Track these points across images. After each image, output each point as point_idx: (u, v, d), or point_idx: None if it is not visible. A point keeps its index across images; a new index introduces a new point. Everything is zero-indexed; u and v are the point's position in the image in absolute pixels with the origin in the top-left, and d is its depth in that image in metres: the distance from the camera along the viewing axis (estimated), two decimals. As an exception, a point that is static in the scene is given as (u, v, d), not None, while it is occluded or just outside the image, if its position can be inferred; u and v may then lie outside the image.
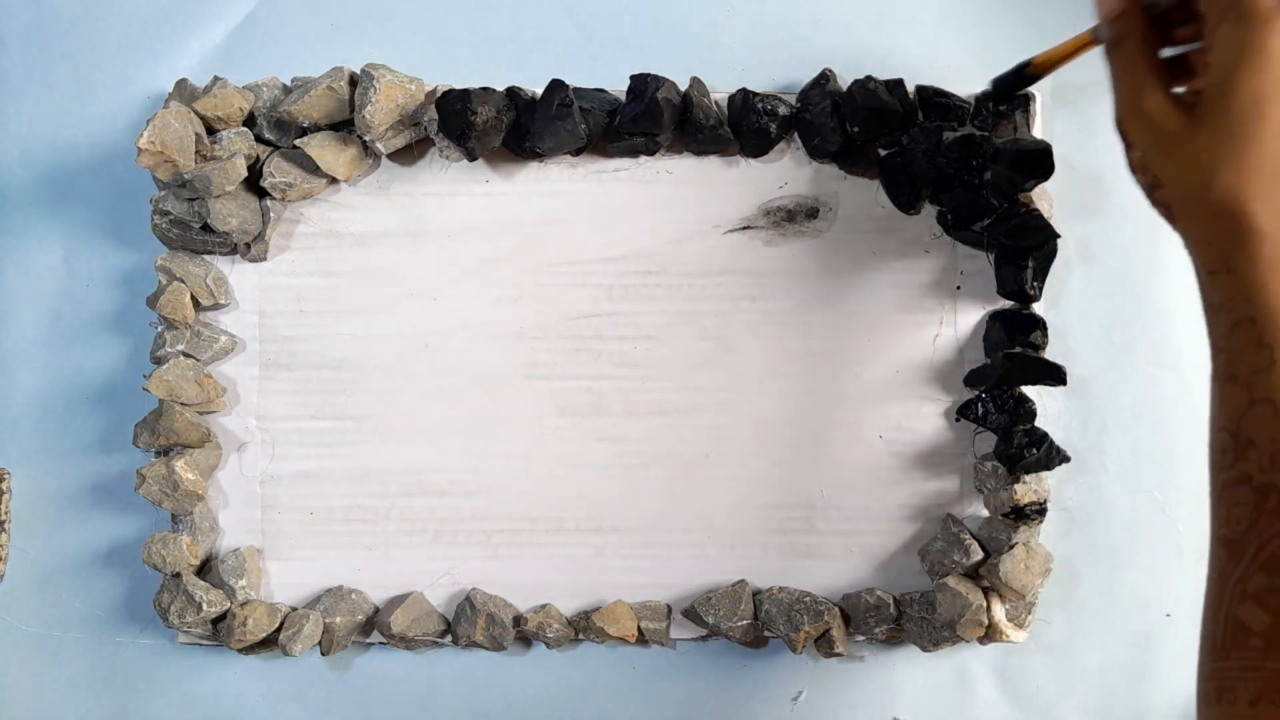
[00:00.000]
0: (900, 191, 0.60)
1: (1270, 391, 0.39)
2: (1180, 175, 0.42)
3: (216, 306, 0.61)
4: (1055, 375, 0.58)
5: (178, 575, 0.59)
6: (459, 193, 0.62)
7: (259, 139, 0.60)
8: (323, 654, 0.60)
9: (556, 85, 0.58)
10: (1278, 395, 0.39)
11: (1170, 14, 0.44)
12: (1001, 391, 0.59)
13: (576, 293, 0.61)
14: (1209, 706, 0.39)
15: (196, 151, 0.58)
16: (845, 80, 0.60)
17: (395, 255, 0.61)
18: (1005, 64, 0.62)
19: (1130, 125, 0.44)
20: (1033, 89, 0.60)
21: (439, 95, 0.58)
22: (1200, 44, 0.44)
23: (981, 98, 0.58)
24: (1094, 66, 0.48)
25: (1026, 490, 0.58)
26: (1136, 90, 0.43)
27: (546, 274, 0.61)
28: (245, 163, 0.58)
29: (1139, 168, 0.45)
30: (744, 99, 0.59)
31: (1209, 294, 0.42)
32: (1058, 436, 0.59)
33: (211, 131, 0.59)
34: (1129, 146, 0.45)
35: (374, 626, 0.61)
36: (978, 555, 0.59)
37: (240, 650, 0.59)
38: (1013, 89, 0.56)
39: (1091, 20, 0.47)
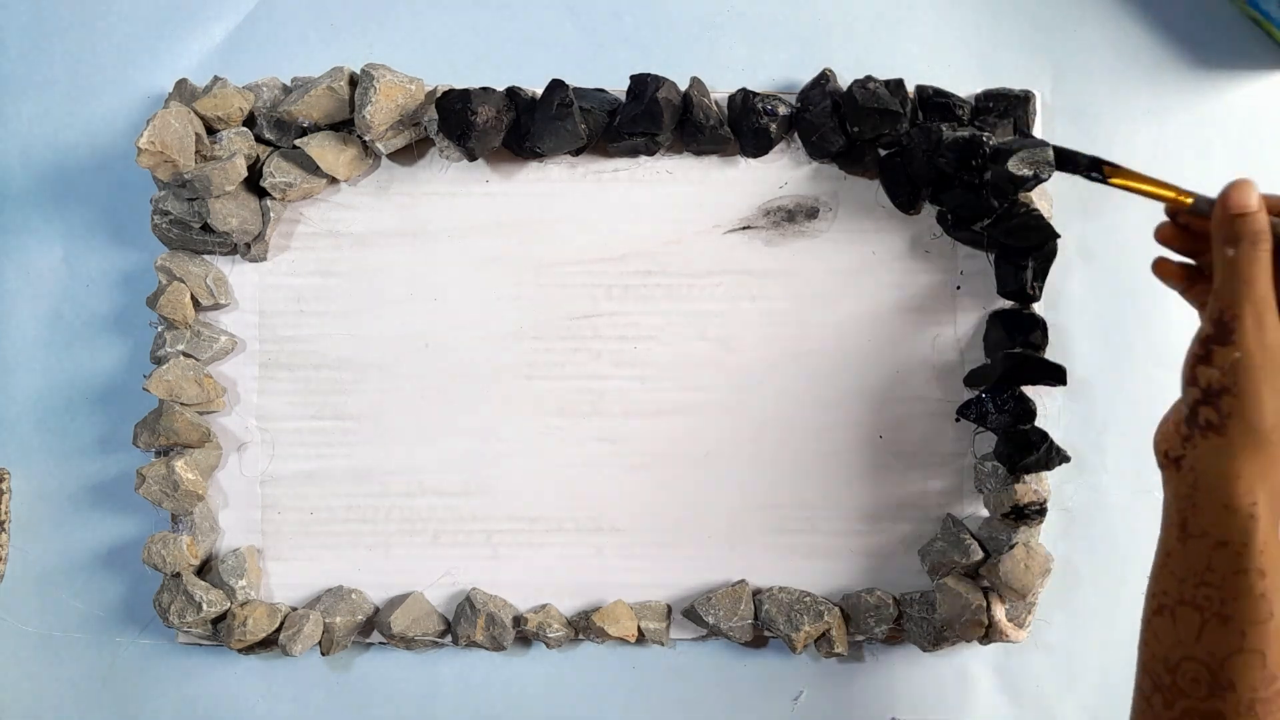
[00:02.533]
0: (900, 191, 0.60)
1: (1265, 645, 0.40)
2: (1270, 402, 0.42)
3: (216, 306, 0.61)
4: (1055, 375, 0.58)
5: (178, 575, 0.59)
6: (459, 193, 0.62)
7: (259, 139, 0.60)
8: (323, 654, 0.60)
9: (556, 85, 0.58)
10: (1271, 651, 0.40)
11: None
12: (1001, 391, 0.59)
13: (576, 293, 0.61)
14: None
15: (196, 151, 0.58)
16: (845, 80, 0.60)
17: (395, 255, 0.61)
18: (1004, 64, 0.62)
19: (1248, 328, 0.42)
20: (1034, 90, 0.60)
21: (439, 95, 0.58)
22: None
23: (1049, 158, 0.55)
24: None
25: (1026, 490, 0.58)
26: (1264, 299, 0.43)
27: (546, 274, 0.61)
28: (245, 163, 0.58)
29: (1226, 367, 0.43)
30: (744, 99, 0.59)
31: (1210, 525, 0.42)
32: (1058, 436, 0.59)
33: (211, 131, 0.59)
34: (1228, 343, 0.43)
35: (374, 626, 0.61)
36: (978, 555, 0.59)
37: (240, 650, 0.59)
38: (1074, 167, 0.53)
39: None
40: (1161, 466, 0.46)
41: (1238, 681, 0.41)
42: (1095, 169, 0.51)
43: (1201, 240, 0.49)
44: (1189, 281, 0.50)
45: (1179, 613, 0.42)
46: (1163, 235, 0.50)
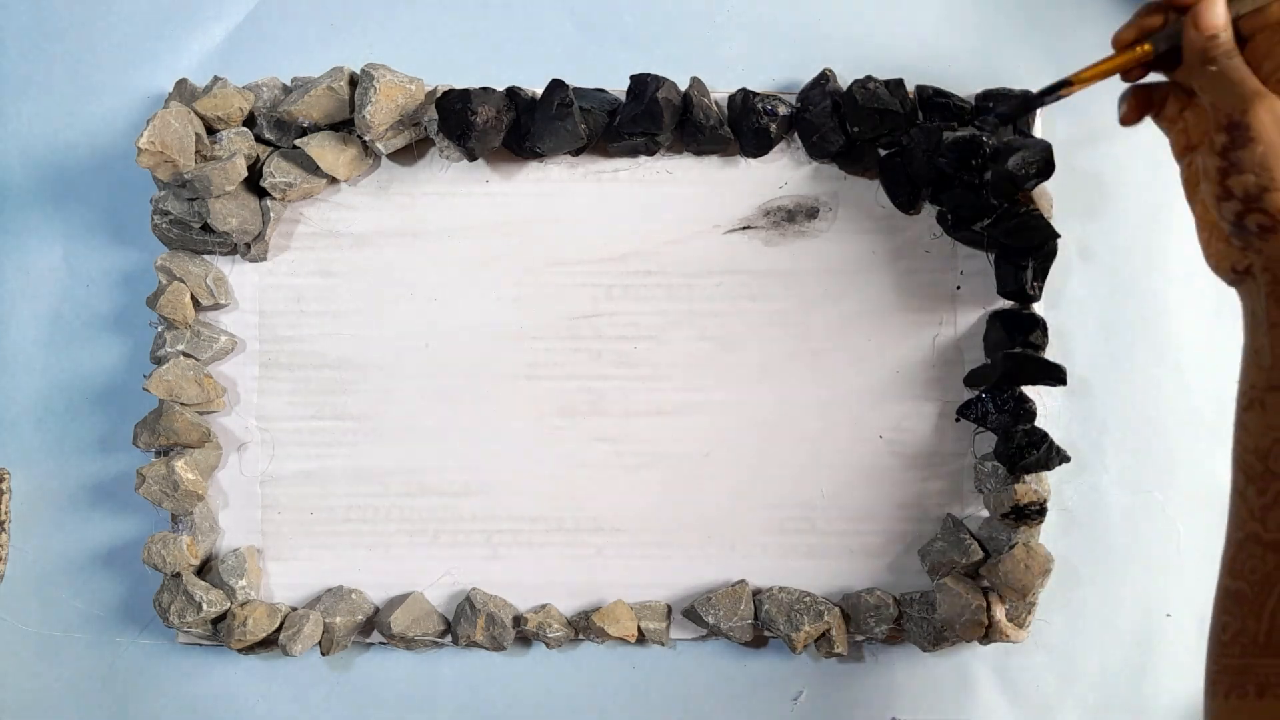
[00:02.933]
0: (900, 191, 0.60)
1: None
2: None
3: (216, 306, 0.61)
4: (1055, 375, 0.58)
5: (178, 575, 0.59)
6: (459, 193, 0.62)
7: (259, 139, 0.60)
8: (323, 654, 0.60)
9: (556, 85, 0.58)
10: None
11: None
12: (1001, 391, 0.59)
13: (576, 293, 0.61)
14: (1226, 699, 0.39)
15: (196, 151, 0.58)
16: (845, 80, 0.60)
17: (395, 255, 0.61)
18: (1004, 64, 0.62)
19: (1263, 120, 0.42)
20: (1033, 90, 0.60)
21: (439, 95, 0.58)
22: None
23: (999, 112, 0.56)
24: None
25: (1026, 490, 0.58)
26: (1262, 90, 0.43)
27: (546, 274, 0.61)
28: (245, 163, 0.58)
29: (1256, 166, 0.43)
30: (744, 99, 0.59)
31: None
32: (1058, 436, 0.59)
33: (211, 131, 0.59)
34: (1248, 142, 0.43)
35: (374, 626, 0.61)
36: (978, 555, 0.59)
37: (240, 650, 0.59)
38: (1037, 104, 0.53)
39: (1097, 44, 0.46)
40: (1232, 283, 0.45)
41: None
42: (1057, 90, 0.51)
43: (1166, 95, 0.49)
44: (1157, 106, 0.50)
45: (1268, 399, 0.42)
46: (1129, 115, 0.50)
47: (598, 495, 0.61)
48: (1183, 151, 0.49)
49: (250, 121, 0.60)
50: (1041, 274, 0.58)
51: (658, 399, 0.61)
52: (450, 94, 0.58)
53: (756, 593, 0.61)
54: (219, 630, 0.60)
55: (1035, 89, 0.54)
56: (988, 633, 0.59)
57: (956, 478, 0.61)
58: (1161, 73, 0.49)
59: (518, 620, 0.60)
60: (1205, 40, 0.45)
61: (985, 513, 0.61)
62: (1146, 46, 0.47)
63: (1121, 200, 0.62)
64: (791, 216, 0.61)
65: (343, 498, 0.62)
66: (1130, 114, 0.50)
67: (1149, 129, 0.62)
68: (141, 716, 0.62)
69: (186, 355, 0.60)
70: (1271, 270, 0.43)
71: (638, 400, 0.61)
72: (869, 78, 0.59)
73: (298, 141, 0.59)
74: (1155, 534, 0.62)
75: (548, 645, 0.60)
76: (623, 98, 0.59)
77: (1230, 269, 0.45)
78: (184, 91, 0.60)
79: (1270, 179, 0.42)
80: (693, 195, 0.61)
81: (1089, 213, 0.62)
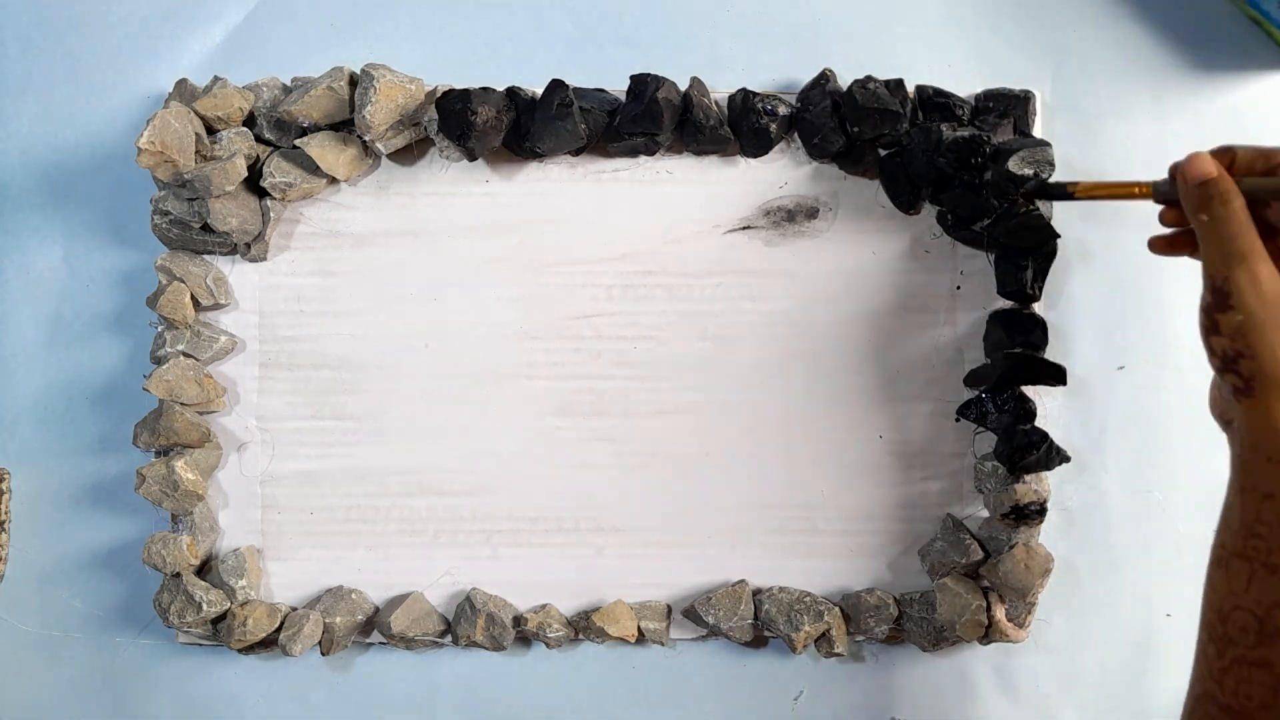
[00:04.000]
0: (900, 191, 0.60)
1: None
2: None
3: (216, 306, 0.61)
4: (1055, 375, 0.58)
5: (178, 575, 0.59)
6: (459, 193, 0.62)
7: (259, 139, 0.60)
8: (323, 654, 0.60)
9: (556, 85, 0.58)
10: None
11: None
12: (1001, 391, 0.59)
13: (576, 293, 0.61)
14: None
15: (196, 151, 0.58)
16: (845, 80, 0.60)
17: (395, 255, 0.61)
18: (1004, 64, 0.62)
19: (1243, 288, 0.42)
20: (1034, 90, 0.60)
21: (439, 95, 0.58)
22: None
23: (1023, 188, 0.56)
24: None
25: (1026, 490, 0.58)
26: (1250, 254, 0.43)
27: (546, 274, 0.61)
28: (245, 163, 0.58)
29: (1233, 332, 0.43)
30: (744, 99, 0.59)
31: (1258, 479, 0.42)
32: (1058, 436, 0.59)
33: (211, 131, 0.59)
34: (1227, 309, 0.43)
35: (374, 626, 0.61)
36: (978, 555, 0.59)
37: (240, 650, 0.59)
38: (1046, 195, 0.55)
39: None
40: (1223, 429, 0.46)
41: None
42: (1062, 192, 0.53)
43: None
44: (1190, 248, 0.50)
45: (1232, 564, 0.42)
46: (1156, 246, 0.51)
47: (598, 495, 0.61)
48: None
49: (250, 121, 0.60)
50: (1041, 274, 0.58)
51: (658, 399, 0.61)
52: (450, 94, 0.58)
53: (756, 593, 0.61)
54: (219, 630, 0.60)
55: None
56: (988, 633, 0.59)
57: (956, 478, 0.61)
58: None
59: (518, 620, 0.60)
60: (1194, 188, 0.45)
61: (985, 513, 0.61)
62: (1146, 188, 0.48)
63: (1121, 200, 0.62)
64: (791, 216, 0.61)
65: (343, 498, 0.62)
66: (1158, 245, 0.51)
67: (1147, 123, 0.62)
68: (141, 716, 0.62)
69: (186, 355, 0.60)
70: (1243, 433, 0.43)
71: (638, 400, 0.61)
72: (869, 78, 0.59)
73: (298, 141, 0.59)
74: (1155, 534, 0.62)
75: (548, 645, 0.60)
76: (623, 98, 0.59)
77: (1220, 415, 0.46)
78: (184, 91, 0.60)
79: (1245, 346, 0.42)
80: (693, 195, 0.61)
81: (1089, 213, 0.62)
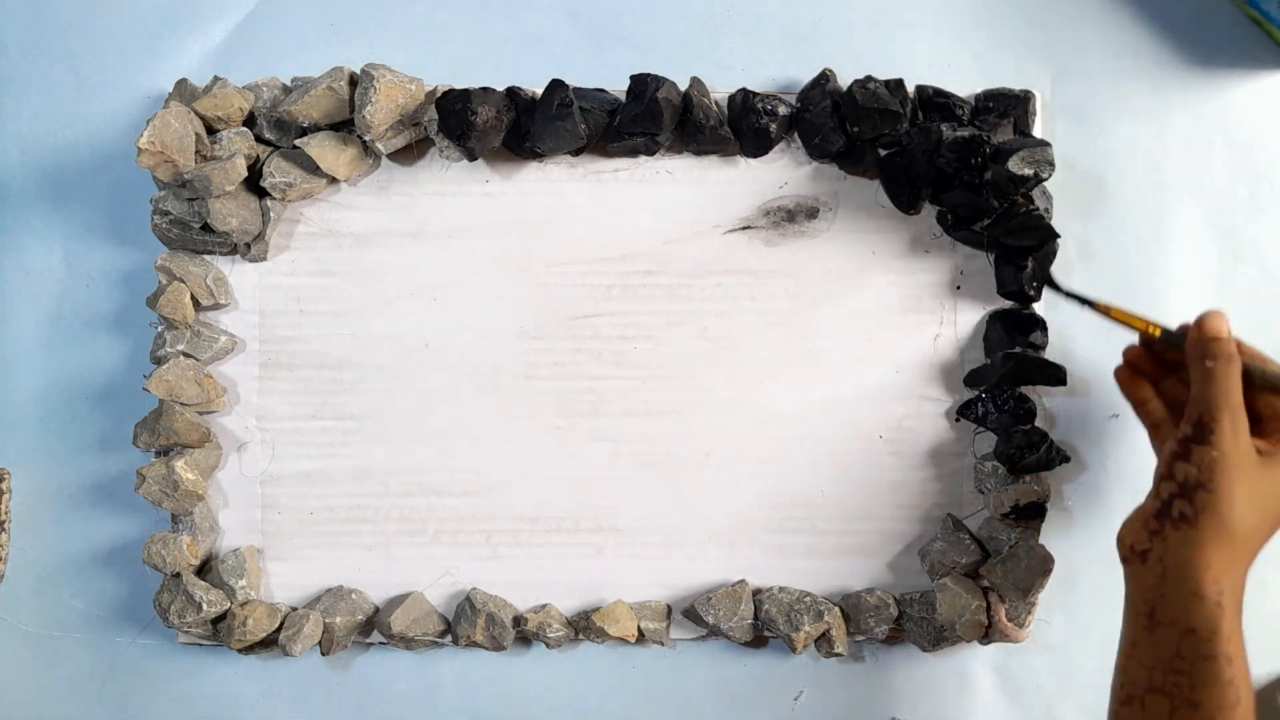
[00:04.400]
0: (900, 191, 0.60)
1: None
2: (1246, 498, 0.45)
3: (216, 306, 0.61)
4: (1055, 375, 0.58)
5: (178, 575, 0.59)
6: (459, 193, 0.62)
7: (259, 139, 0.60)
8: (323, 654, 0.60)
9: (556, 85, 0.58)
10: None
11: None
12: (1001, 391, 0.59)
13: (576, 293, 0.61)
14: None
15: (196, 151, 0.58)
16: (845, 80, 0.60)
17: (395, 255, 0.61)
18: (1004, 64, 0.62)
19: (1225, 430, 0.46)
20: (1034, 90, 0.60)
21: (439, 95, 0.58)
22: None
23: (1050, 284, 0.58)
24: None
25: (1026, 490, 0.58)
26: (1239, 406, 0.47)
27: (546, 274, 0.61)
28: (245, 163, 0.58)
29: (1202, 465, 0.46)
30: (744, 99, 0.59)
31: (1180, 613, 0.44)
32: (1058, 436, 0.59)
33: (211, 131, 0.59)
34: (1206, 443, 0.46)
35: (374, 626, 0.61)
36: (978, 555, 0.59)
37: (240, 650, 0.59)
38: (1061, 291, 0.57)
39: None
40: (1125, 560, 0.49)
41: None
42: (1085, 302, 0.55)
43: (1162, 366, 0.55)
44: (1141, 399, 0.55)
45: (1148, 700, 0.44)
46: (1130, 355, 0.56)
47: (597, 495, 0.61)
48: (1150, 425, 0.54)
49: (250, 121, 0.60)
50: (1041, 274, 0.58)
51: (658, 399, 0.61)
52: (450, 94, 0.58)
53: (756, 593, 0.61)
54: (219, 630, 0.60)
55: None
56: (988, 633, 0.59)
57: (956, 478, 0.61)
58: (1163, 350, 0.54)
59: (518, 620, 0.60)
60: (1209, 339, 0.49)
61: (985, 513, 0.61)
62: (1156, 330, 0.53)
63: (1121, 200, 0.62)
64: (791, 216, 0.61)
65: (343, 498, 0.62)
66: (1123, 374, 0.56)
67: (1147, 123, 0.62)
68: (141, 716, 0.62)
69: (186, 355, 0.60)
70: (1168, 564, 0.45)
71: (638, 400, 0.61)
72: (869, 78, 0.59)
73: (298, 141, 0.59)
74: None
75: (548, 645, 0.60)
76: (623, 98, 0.59)
77: (1130, 546, 0.48)
78: (184, 91, 0.60)
79: (1209, 480, 0.46)
80: (693, 195, 0.61)
81: (1089, 213, 0.62)
